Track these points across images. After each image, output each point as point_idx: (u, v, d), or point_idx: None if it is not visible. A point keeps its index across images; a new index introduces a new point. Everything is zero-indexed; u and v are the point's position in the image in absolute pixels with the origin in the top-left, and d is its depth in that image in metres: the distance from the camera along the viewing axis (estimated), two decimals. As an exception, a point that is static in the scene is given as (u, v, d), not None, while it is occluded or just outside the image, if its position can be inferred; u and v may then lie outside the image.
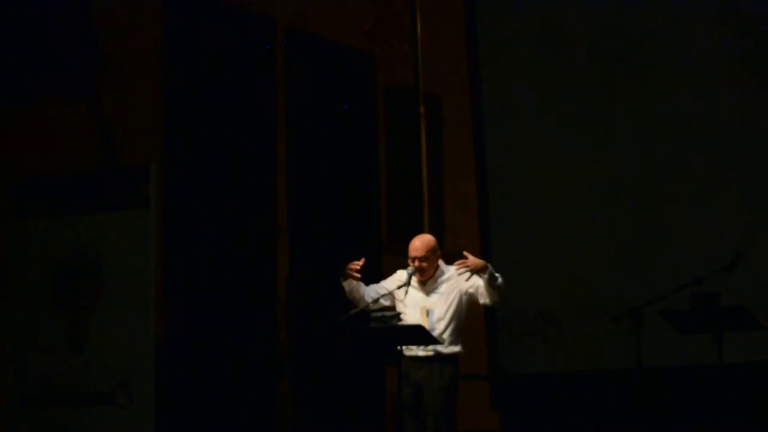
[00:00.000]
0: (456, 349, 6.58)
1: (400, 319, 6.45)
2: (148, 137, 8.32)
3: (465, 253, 6.55)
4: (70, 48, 8.31)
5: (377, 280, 6.81)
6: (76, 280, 8.03)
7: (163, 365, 7.86)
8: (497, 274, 6.46)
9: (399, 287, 6.58)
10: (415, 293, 6.62)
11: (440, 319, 6.58)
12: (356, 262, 6.55)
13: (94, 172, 8.26)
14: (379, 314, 6.42)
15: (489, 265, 6.47)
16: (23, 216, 8.25)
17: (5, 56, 8.28)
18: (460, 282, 6.59)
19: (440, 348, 6.52)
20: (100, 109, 8.43)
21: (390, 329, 6.37)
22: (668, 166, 8.46)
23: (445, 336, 6.55)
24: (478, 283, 6.54)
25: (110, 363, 7.85)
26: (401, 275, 6.66)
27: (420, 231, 8.20)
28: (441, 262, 6.69)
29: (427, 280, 6.64)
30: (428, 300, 6.62)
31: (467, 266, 6.49)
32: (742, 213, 8.21)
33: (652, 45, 8.61)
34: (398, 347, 6.45)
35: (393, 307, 6.70)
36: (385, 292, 6.63)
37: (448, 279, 6.65)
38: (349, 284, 6.58)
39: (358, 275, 6.55)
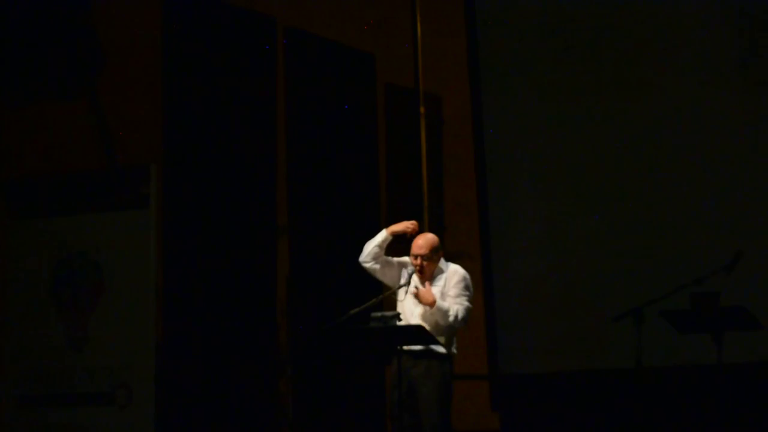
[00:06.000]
0: (451, 348, 6.58)
1: (400, 319, 6.45)
2: (148, 137, 8.31)
3: (417, 287, 6.55)
4: (70, 48, 8.30)
5: (376, 280, 6.82)
6: (76, 280, 8.02)
7: (163, 365, 7.85)
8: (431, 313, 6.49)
9: (399, 287, 6.59)
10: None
11: (437, 317, 6.59)
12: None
13: (94, 172, 8.26)
14: (379, 314, 6.42)
15: (434, 304, 6.46)
16: (23, 216, 8.24)
17: (5, 56, 8.27)
18: (451, 283, 6.61)
19: (434, 346, 6.52)
20: (100, 109, 8.43)
21: (390, 329, 6.38)
22: (668, 166, 8.46)
23: (442, 334, 6.57)
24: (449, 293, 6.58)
25: (110, 363, 7.84)
26: (406, 260, 6.67)
27: (420, 231, 8.19)
28: (441, 260, 6.71)
29: (427, 278, 6.65)
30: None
31: (415, 294, 6.52)
32: (742, 213, 8.20)
33: (652, 45, 8.61)
34: (398, 347, 6.46)
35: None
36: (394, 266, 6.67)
37: (445, 277, 6.66)
38: (387, 240, 6.66)
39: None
